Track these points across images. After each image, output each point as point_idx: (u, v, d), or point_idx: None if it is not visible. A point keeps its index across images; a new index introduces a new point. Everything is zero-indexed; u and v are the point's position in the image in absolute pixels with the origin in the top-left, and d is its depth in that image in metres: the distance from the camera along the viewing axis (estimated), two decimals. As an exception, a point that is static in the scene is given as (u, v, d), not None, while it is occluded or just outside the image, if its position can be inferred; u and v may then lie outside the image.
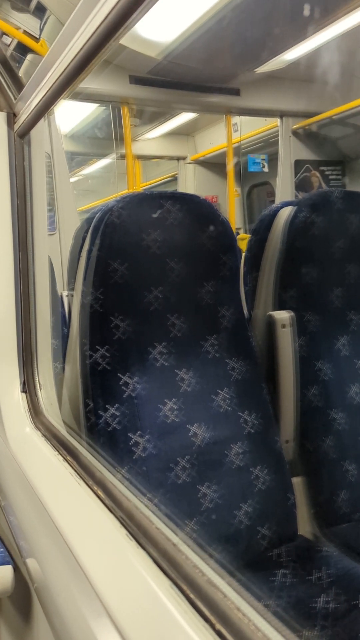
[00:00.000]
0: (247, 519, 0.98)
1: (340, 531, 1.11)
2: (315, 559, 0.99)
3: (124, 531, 0.53)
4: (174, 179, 4.99)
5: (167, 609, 0.40)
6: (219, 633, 0.36)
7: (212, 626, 0.36)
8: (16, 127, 0.94)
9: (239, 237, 3.78)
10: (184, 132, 4.68)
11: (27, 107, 0.88)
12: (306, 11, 2.36)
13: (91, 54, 0.64)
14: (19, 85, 0.97)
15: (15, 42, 2.90)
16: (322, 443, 1.14)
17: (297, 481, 1.12)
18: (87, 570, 0.50)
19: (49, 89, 0.76)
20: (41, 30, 3.03)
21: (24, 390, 0.96)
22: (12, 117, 0.94)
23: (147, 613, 0.41)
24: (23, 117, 0.90)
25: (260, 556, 0.99)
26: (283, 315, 1.14)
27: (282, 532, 1.02)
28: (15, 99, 0.95)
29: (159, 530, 0.50)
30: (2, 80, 0.96)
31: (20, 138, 0.95)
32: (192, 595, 0.40)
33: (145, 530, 0.50)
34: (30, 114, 0.87)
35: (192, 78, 3.07)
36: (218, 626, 0.36)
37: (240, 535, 0.97)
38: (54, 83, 0.74)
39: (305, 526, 1.13)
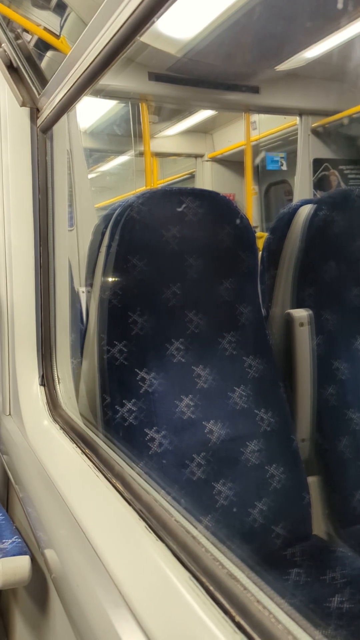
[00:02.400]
0: (261, 517, 0.98)
1: (356, 532, 1.10)
2: (329, 559, 0.98)
3: (142, 524, 0.53)
4: (192, 176, 4.98)
5: (186, 600, 0.40)
6: (238, 625, 0.36)
7: (232, 618, 0.36)
8: (39, 122, 0.95)
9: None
10: (202, 130, 4.67)
11: (50, 103, 0.88)
12: (328, 8, 2.34)
13: (115, 51, 0.65)
14: (42, 81, 0.98)
15: (35, 38, 2.92)
16: (338, 442, 1.13)
17: (312, 480, 1.12)
18: (105, 562, 0.51)
19: (73, 85, 0.76)
20: (61, 27, 3.04)
21: (42, 384, 0.97)
22: (35, 113, 0.95)
23: (166, 604, 0.42)
24: (46, 113, 0.91)
25: (274, 555, 0.99)
26: (301, 314, 1.13)
27: (296, 532, 1.01)
28: (39, 94, 0.96)
29: (178, 523, 0.50)
30: (27, 76, 0.96)
31: (43, 133, 0.96)
32: (211, 588, 0.40)
33: (164, 523, 0.51)
34: (53, 109, 0.87)
35: (212, 75, 3.06)
36: (238, 618, 0.36)
37: (254, 533, 0.97)
38: (77, 79, 0.74)
39: (320, 526, 1.12)
